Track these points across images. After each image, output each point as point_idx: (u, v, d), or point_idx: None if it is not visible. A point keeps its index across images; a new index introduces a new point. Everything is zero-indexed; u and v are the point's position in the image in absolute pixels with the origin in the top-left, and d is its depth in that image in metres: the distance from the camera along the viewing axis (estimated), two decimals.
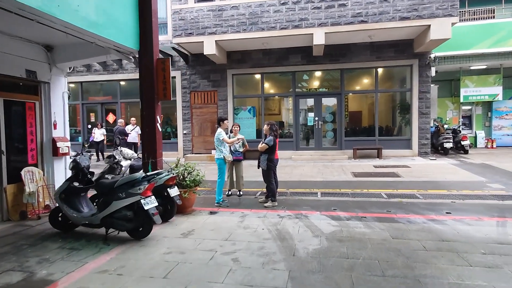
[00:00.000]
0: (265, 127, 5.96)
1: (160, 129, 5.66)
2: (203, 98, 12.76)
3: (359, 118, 12.95)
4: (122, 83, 13.56)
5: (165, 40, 12.45)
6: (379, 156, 11.16)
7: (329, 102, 12.52)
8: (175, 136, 13.18)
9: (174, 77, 12.82)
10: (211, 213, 5.42)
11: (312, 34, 10.20)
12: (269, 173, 5.83)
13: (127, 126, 11.59)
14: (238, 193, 6.77)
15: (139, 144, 11.70)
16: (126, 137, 10.99)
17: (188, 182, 5.27)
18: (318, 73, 12.31)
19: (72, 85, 14.06)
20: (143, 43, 5.47)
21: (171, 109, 13.29)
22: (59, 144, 5.79)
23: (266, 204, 5.79)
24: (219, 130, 6.04)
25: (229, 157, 6.04)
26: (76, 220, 4.18)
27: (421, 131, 11.32)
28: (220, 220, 4.98)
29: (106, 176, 4.95)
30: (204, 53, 11.01)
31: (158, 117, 5.56)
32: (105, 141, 12.37)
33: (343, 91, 11.89)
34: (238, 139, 6.28)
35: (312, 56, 11.68)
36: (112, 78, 13.36)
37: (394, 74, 12.30)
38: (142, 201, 3.94)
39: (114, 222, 3.97)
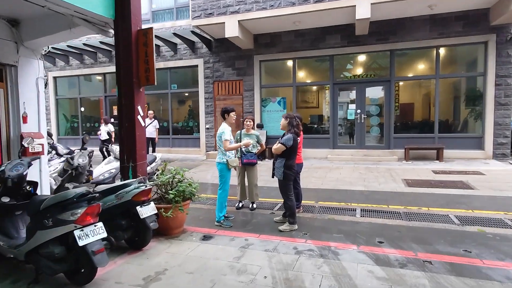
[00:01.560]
0: (283, 121, 4.36)
1: (144, 123, 4.33)
2: (228, 88, 11.38)
3: (413, 110, 10.67)
4: None
5: (186, 24, 11.25)
6: (439, 158, 8.92)
7: (375, 91, 10.43)
8: (198, 131, 12.00)
9: (196, 65, 11.61)
10: (205, 237, 3.98)
11: (355, 6, 8.24)
12: (287, 185, 4.23)
13: (147, 120, 10.62)
14: (250, 205, 5.27)
15: (156, 139, 10.70)
16: None
17: (172, 196, 3.86)
18: (361, 57, 10.27)
19: (98, 77, 13.55)
20: (119, 10, 4.14)
21: (195, 102, 12.14)
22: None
23: (281, 228, 4.22)
24: (223, 126, 4.56)
25: (234, 162, 4.53)
26: (1, 250, 2.99)
27: (497, 127, 8.83)
28: (211, 253, 3.52)
29: (67, 185, 3.74)
30: (226, 36, 9.58)
31: (139, 107, 4.23)
32: (113, 139, 10.47)
33: (393, 77, 9.74)
34: (240, 145, 4.69)
35: (354, 36, 9.68)
36: None
37: (461, 54, 9.82)
38: (76, 232, 2.60)
39: (40, 261, 2.69)
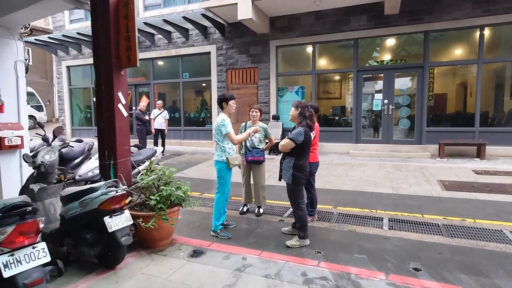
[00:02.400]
0: (292, 110, 3.52)
1: (126, 114, 3.64)
2: (242, 76, 10.58)
3: (449, 100, 9.43)
4: (155, 62, 12.09)
5: (198, 8, 10.49)
6: (480, 155, 7.75)
7: (405, 79, 9.31)
8: (210, 122, 11.33)
9: (209, 52, 10.86)
10: (195, 253, 3.26)
11: None
12: (297, 190, 3.42)
13: (153, 111, 10.04)
14: (256, 210, 4.52)
15: (166, 131, 10.11)
16: (143, 123, 9.41)
17: (154, 202, 3.16)
18: (390, 40, 9.11)
19: None
20: None
21: (207, 92, 11.44)
22: (4, 133, 4.18)
23: (289, 243, 3.43)
24: (221, 116, 3.80)
25: (236, 160, 3.77)
26: None
27: None
28: (196, 276, 2.80)
29: (32, 186, 3.13)
30: (239, 19, 8.73)
31: (120, 94, 3.54)
32: None
33: (427, 63, 8.56)
34: (250, 133, 3.93)
35: (382, 17, 8.56)
36: (144, 56, 11.95)
37: (511, 35, 8.46)
38: (3, 258, 1.94)
39: None
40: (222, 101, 3.81)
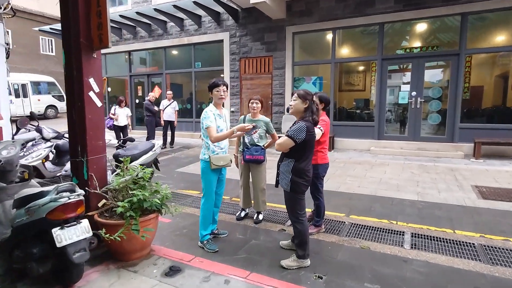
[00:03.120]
0: (298, 102, 2.84)
1: (99, 103, 3.13)
2: (255, 66, 9.93)
3: (486, 93, 8.33)
4: (167, 50, 11.66)
5: None
6: None
7: (437, 68, 8.31)
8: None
9: (221, 40, 10.27)
10: (171, 270, 2.74)
11: None
12: (297, 200, 2.79)
13: (163, 101, 9.63)
14: (255, 216, 3.93)
15: (176, 123, 9.68)
16: (152, 114, 9.02)
17: (121, 209, 2.65)
18: (421, 24, 8.11)
19: (123, 56, 12.85)
20: None
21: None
22: None
23: (285, 263, 2.82)
24: (208, 107, 3.22)
25: (222, 160, 3.16)
26: None
27: None
28: None
29: None
30: (252, 2, 8.06)
31: (92, 80, 3.03)
32: (129, 125, 9.35)
33: (463, 50, 7.52)
34: (233, 132, 3.18)
35: None
36: (157, 45, 11.58)
37: None
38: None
39: None
40: (210, 89, 3.23)
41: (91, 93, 3.02)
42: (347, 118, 9.19)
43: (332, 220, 3.92)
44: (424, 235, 3.46)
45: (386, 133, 8.54)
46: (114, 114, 8.86)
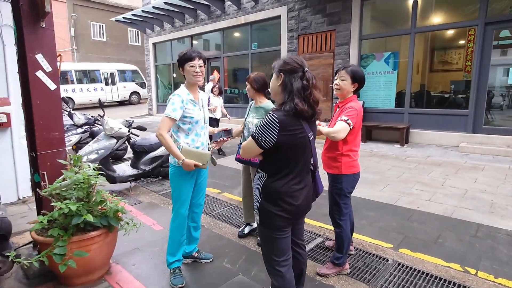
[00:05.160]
0: (272, 79, 1.73)
1: (53, 86, 2.53)
2: (315, 43, 8.55)
3: None
4: (225, 32, 11.07)
5: None
6: None
7: None
8: None
9: (279, 16, 9.15)
10: None
11: None
12: (269, 238, 1.68)
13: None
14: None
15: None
16: None
17: (38, 225, 2.00)
18: None
19: (188, 40, 12.75)
20: None
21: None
22: None
23: None
24: (179, 89, 2.34)
25: (200, 157, 2.26)
26: None
27: None
28: None
29: None
30: None
31: (40, 57, 2.43)
32: (227, 116, 7.48)
33: None
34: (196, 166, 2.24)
35: None
36: (215, 27, 11.07)
37: None
38: None
39: None
40: (179, 66, 2.32)
41: (39, 73, 2.43)
42: (429, 104, 7.20)
43: (369, 254, 2.69)
44: None
45: (486, 124, 6.36)
46: (208, 105, 6.57)
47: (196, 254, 2.62)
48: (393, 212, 3.56)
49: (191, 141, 2.30)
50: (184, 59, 2.26)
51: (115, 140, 4.27)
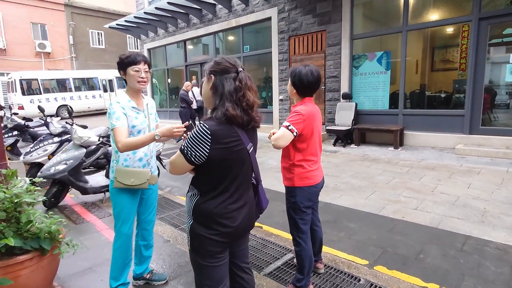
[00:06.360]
0: (204, 83, 1.49)
1: None
2: (306, 44, 8.32)
3: None
4: (217, 36, 10.91)
5: None
6: None
7: None
8: (271, 103, 9.55)
9: (269, 18, 8.95)
10: None
11: None
12: (200, 265, 1.45)
13: (194, 89, 8.84)
14: None
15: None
16: (188, 106, 8.37)
17: None
18: None
19: (180, 45, 12.65)
20: None
21: (268, 66, 9.63)
22: None
23: None
24: (118, 97, 2.12)
25: (131, 178, 2.02)
26: None
27: None
28: None
29: None
30: None
31: None
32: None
33: None
34: (173, 132, 1.84)
35: None
36: (208, 31, 10.91)
37: None
38: None
39: None
40: (119, 70, 2.11)
41: None
42: (424, 105, 6.90)
43: (340, 272, 2.42)
44: None
45: (483, 124, 6.04)
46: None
47: (148, 276, 2.39)
48: (376, 222, 3.29)
49: (131, 153, 2.08)
50: (127, 62, 2.05)
51: (84, 150, 4.07)
